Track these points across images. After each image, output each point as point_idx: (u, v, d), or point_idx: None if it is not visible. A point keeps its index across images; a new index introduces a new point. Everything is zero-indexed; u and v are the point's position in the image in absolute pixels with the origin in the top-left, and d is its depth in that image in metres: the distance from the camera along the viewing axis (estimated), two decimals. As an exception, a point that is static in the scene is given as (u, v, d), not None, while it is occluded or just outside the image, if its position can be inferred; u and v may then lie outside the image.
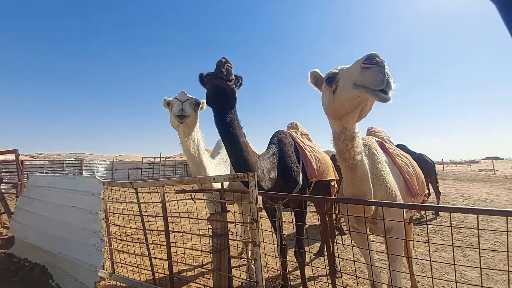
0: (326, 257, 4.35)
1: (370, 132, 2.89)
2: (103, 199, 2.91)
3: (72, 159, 22.02)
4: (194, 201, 2.44)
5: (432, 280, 1.77)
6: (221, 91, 2.14)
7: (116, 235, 3.13)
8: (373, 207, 1.83)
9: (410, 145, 7.55)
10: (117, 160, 26.06)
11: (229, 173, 3.08)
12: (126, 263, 2.93)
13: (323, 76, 1.73)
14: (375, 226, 2.02)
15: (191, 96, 2.49)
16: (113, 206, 3.03)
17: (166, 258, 2.63)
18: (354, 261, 2.18)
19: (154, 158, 27.22)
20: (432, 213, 7.64)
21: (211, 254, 2.57)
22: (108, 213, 3.05)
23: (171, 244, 2.59)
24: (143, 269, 2.84)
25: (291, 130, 3.49)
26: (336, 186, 3.84)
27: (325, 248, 4.07)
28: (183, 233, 2.73)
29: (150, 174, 25.07)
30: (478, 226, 1.54)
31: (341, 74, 1.57)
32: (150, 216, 2.69)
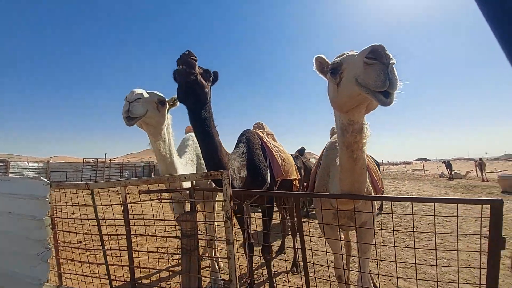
0: (286, 254, 4.53)
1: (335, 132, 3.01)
2: (49, 203, 2.58)
3: (-4, 160, 18.93)
4: (161, 202, 2.32)
5: (378, 273, 1.96)
6: (187, 87, 2.08)
7: (65, 243, 2.78)
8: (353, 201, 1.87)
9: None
10: (53, 162, 23.21)
11: (195, 172, 2.98)
12: (77, 273, 2.63)
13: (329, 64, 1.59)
14: (351, 221, 2.10)
15: (154, 93, 2.30)
16: (61, 211, 2.69)
17: (126, 264, 2.44)
18: (313, 253, 2.29)
19: (98, 159, 24.85)
20: (377, 209, 8.48)
21: (179, 256, 2.47)
22: (55, 219, 2.71)
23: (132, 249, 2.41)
24: (98, 277, 2.58)
25: (257, 129, 3.55)
26: (297, 185, 4.01)
27: (294, 243, 4.23)
28: (148, 236, 2.56)
29: (93, 176, 22.86)
30: (412, 211, 1.76)
31: (345, 65, 1.44)
32: (109, 219, 2.46)
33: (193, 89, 2.09)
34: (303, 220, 5.87)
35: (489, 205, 1.47)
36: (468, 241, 5.17)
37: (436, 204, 1.80)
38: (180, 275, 2.22)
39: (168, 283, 3.07)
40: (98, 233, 2.53)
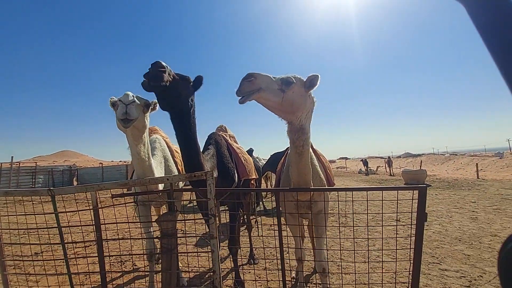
0: (241, 249, 4.79)
1: None
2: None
3: None
4: (137, 205, 2.34)
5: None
6: (162, 97, 2.18)
7: (15, 257, 2.48)
8: (310, 192, 2.32)
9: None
10: None
11: (163, 174, 3.01)
12: (31, 288, 2.40)
13: None
14: (309, 210, 2.55)
15: (140, 97, 2.32)
16: (8, 221, 2.40)
17: (93, 271, 2.36)
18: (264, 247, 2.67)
19: (2, 163, 20.55)
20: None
21: (156, 257, 2.50)
22: (0, 231, 2.40)
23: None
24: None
25: (221, 132, 3.75)
26: (255, 183, 4.36)
27: (250, 237, 4.53)
28: (121, 240, 2.51)
29: (-5, 184, 18.84)
30: (352, 198, 2.27)
31: None
32: (75, 226, 2.33)
33: (169, 99, 2.19)
34: (251, 217, 6.29)
35: (417, 190, 2.05)
36: (385, 223, 6.38)
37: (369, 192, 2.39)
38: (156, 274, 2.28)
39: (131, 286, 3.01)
40: (59, 242, 2.37)
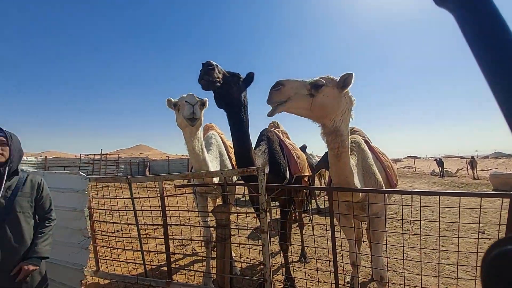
0: (292, 246, 4.79)
1: (353, 132, 3.17)
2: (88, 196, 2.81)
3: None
4: (195, 195, 2.57)
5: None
6: (217, 93, 2.32)
7: (103, 232, 3.02)
8: (360, 194, 2.21)
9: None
10: (50, 157, 23.26)
11: (219, 168, 3.23)
12: (114, 259, 2.88)
13: None
14: (363, 212, 2.41)
15: (199, 98, 2.55)
16: (98, 203, 2.93)
17: (160, 251, 2.69)
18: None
19: (94, 155, 24.92)
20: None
21: (211, 244, 2.72)
22: (92, 210, 2.94)
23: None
24: (133, 262, 2.83)
25: (273, 128, 3.79)
26: (307, 181, 4.29)
27: (302, 235, 4.52)
28: (182, 225, 2.82)
29: (90, 172, 22.92)
30: (420, 202, 2.06)
31: None
32: (146, 211, 2.70)
33: (222, 96, 2.34)
34: (303, 216, 6.20)
35: (508, 198, 1.76)
36: (464, 235, 5.55)
37: (442, 197, 2.11)
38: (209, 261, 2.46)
39: (195, 268, 3.33)
40: (135, 223, 2.78)
